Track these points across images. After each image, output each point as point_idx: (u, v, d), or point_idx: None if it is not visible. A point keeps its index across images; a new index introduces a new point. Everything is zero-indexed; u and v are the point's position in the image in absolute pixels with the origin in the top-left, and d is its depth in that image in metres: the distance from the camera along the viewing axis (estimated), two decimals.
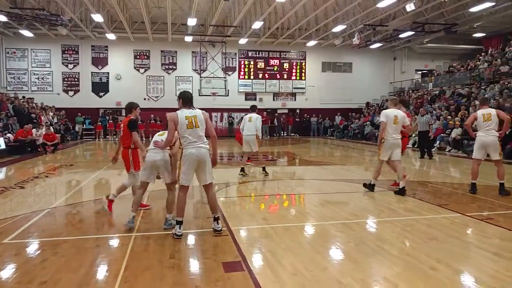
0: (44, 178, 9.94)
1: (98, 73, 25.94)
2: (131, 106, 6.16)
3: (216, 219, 5.09)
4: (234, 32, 24.36)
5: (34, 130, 16.86)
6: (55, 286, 3.55)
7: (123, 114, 25.83)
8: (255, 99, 27.98)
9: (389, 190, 7.90)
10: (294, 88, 28.70)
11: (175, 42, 25.78)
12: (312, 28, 23.77)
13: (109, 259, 4.27)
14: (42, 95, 24.49)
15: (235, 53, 27.53)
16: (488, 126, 7.32)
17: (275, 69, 28.24)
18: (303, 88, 28.83)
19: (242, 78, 27.81)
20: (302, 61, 28.70)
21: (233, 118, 27.19)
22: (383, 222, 5.72)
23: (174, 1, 19.63)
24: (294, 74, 28.58)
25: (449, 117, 17.84)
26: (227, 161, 13.25)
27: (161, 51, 26.59)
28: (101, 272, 3.93)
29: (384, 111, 7.64)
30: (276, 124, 28.37)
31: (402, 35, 23.93)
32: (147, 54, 26.47)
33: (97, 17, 19.73)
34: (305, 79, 28.80)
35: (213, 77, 25.14)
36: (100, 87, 25.93)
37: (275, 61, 28.23)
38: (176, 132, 4.94)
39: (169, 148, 5.41)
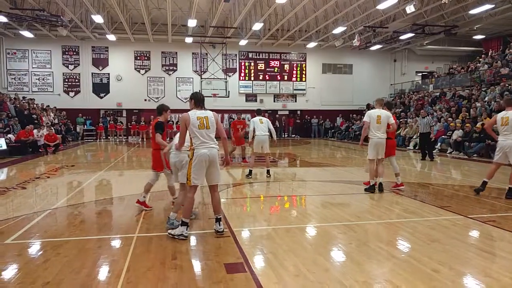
0: (46, 178, 9.94)
1: (98, 74, 25.96)
2: (161, 109, 6.32)
3: (218, 220, 5.09)
4: (234, 34, 24.40)
5: (35, 131, 16.87)
6: (58, 286, 3.55)
7: (124, 115, 26.23)
8: (255, 100, 28.03)
9: (391, 192, 7.90)
10: (295, 89, 28.72)
11: (175, 43, 25.82)
12: (312, 29, 23.81)
13: (111, 259, 4.27)
14: (43, 96, 24.53)
15: (236, 54, 27.57)
16: (506, 130, 7.18)
17: (275, 70, 28.27)
18: (304, 89, 28.86)
19: (242, 79, 27.84)
20: (302, 62, 28.73)
21: (234, 119, 27.16)
22: (385, 224, 5.72)
23: (174, 2, 19.67)
24: (294, 75, 28.61)
25: (450, 119, 17.86)
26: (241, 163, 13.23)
27: (162, 52, 26.63)
28: (104, 272, 3.92)
29: (368, 111, 7.96)
30: (277, 125, 28.33)
31: (402, 37, 23.97)
32: (148, 55, 26.50)
33: (98, 18, 19.76)
34: (305, 81, 28.83)
35: (214, 78, 25.16)
36: (101, 88, 25.95)
37: (276, 62, 28.27)
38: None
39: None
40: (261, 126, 9.77)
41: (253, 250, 4.54)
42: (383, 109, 7.91)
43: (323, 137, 28.20)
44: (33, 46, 24.69)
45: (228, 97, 25.22)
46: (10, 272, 3.93)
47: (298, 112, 29.19)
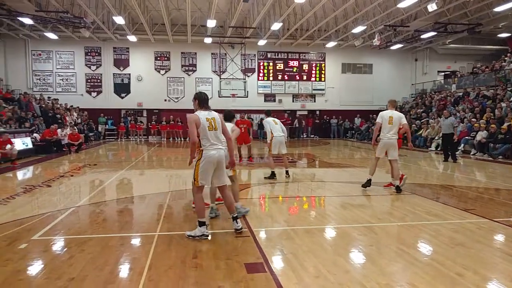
0: (69, 177, 10.17)
1: (120, 74, 26.41)
2: (230, 116, 6.75)
3: (235, 219, 5.12)
4: (253, 34, 24.44)
5: (59, 130, 17.30)
6: (82, 282, 3.63)
7: (144, 115, 26.59)
8: (274, 100, 28.01)
9: (412, 194, 7.78)
10: (314, 89, 28.57)
11: (195, 43, 26.04)
12: (331, 29, 23.63)
13: (133, 257, 4.33)
14: (67, 96, 25.11)
15: (254, 55, 27.61)
16: None
17: (294, 70, 28.18)
18: (323, 89, 28.68)
19: (261, 80, 27.86)
20: (321, 62, 28.55)
21: (252, 119, 27.22)
22: (407, 226, 5.63)
23: (194, 3, 19.83)
24: (313, 75, 28.45)
25: (473, 119, 17.45)
26: (247, 163, 13.26)
27: (181, 53, 26.89)
28: (126, 270, 3.99)
29: (380, 112, 8.06)
30: (297, 125, 28.26)
31: (424, 36, 23.54)
32: (168, 55, 26.80)
33: (119, 20, 20.09)
34: (324, 80, 28.64)
35: (233, 79, 25.25)
36: (122, 88, 26.39)
37: (294, 62, 28.17)
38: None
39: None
40: (277, 127, 9.73)
41: (273, 250, 4.54)
42: (396, 110, 8.03)
43: (343, 137, 27.96)
44: (57, 47, 25.31)
45: (247, 97, 25.24)
46: (37, 267, 4.04)
47: (317, 112, 29.02)
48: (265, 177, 9.79)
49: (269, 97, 28.07)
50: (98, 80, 26.18)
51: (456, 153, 14.62)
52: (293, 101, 28.52)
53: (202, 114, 4.95)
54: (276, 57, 28.01)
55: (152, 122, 26.28)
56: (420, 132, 20.36)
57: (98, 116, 25.68)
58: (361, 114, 28.11)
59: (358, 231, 5.35)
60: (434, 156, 16.11)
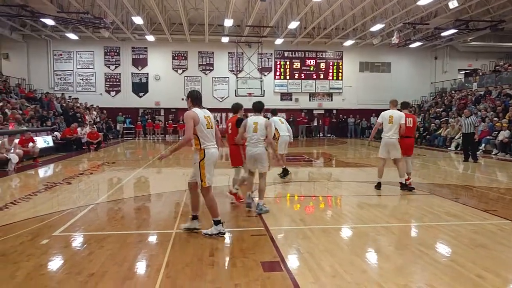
0: (89, 175, 10.36)
1: (138, 73, 26.74)
2: (237, 107, 6.88)
3: (194, 218, 5.14)
4: (270, 33, 24.39)
5: (79, 129, 17.64)
6: (102, 278, 3.70)
7: (162, 114, 26.87)
8: (291, 99, 27.93)
9: (431, 194, 7.66)
10: (331, 88, 28.35)
11: (212, 43, 26.16)
12: (349, 27, 23.41)
13: (151, 254, 4.39)
14: (86, 95, 25.56)
15: (271, 54, 27.57)
16: None
17: (311, 69, 28.03)
18: (340, 88, 28.43)
19: (278, 79, 27.80)
20: (339, 61, 28.32)
21: (269, 118, 27.18)
22: (426, 226, 5.54)
23: (211, 2, 19.91)
24: (330, 74, 28.24)
25: (495, 118, 17.03)
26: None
27: (199, 52, 27.05)
28: (144, 267, 4.05)
29: (382, 112, 8.13)
30: (316, 124, 28.10)
31: (444, 34, 23.07)
32: (185, 55, 27.00)
33: (138, 20, 20.33)
34: (342, 79, 28.39)
35: (249, 78, 25.28)
36: (140, 88, 26.72)
37: (311, 61, 28.01)
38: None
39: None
40: (282, 126, 9.67)
41: (289, 249, 4.53)
42: (397, 110, 8.03)
43: (360, 136, 27.67)
44: (77, 47, 25.79)
45: (263, 96, 25.20)
46: (58, 262, 4.13)
47: (334, 111, 28.80)
48: (279, 175, 9.73)
49: (286, 96, 28.00)
50: (117, 80, 26.57)
51: (477, 153, 14.31)
52: (310, 100, 28.36)
53: (200, 112, 4.87)
54: (293, 56, 27.90)
55: (169, 121, 26.54)
56: (440, 131, 20.00)
57: (117, 115, 26.07)
58: (379, 113, 27.66)
59: (376, 231, 5.30)
60: (453, 156, 15.80)
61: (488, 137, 16.30)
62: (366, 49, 27.74)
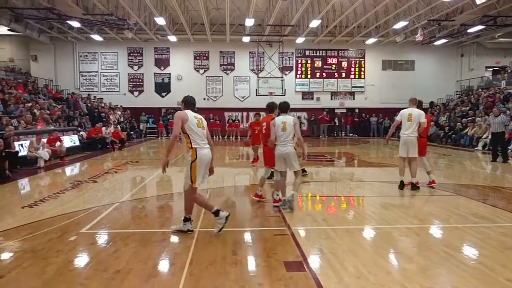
0: (113, 173, 10.58)
1: (160, 74, 27.11)
2: (273, 106, 6.73)
3: (217, 212, 5.00)
4: (291, 32, 24.29)
5: (103, 129, 18.03)
6: (127, 275, 3.78)
7: None
8: (312, 99, 27.78)
9: (457, 195, 7.48)
10: (353, 87, 28.03)
11: (233, 42, 26.26)
12: (371, 25, 23.09)
13: (175, 252, 4.45)
14: (110, 95, 26.10)
15: (292, 52, 27.46)
16: None
17: (333, 67, 27.78)
18: (362, 87, 28.08)
19: (299, 78, 27.68)
20: (361, 59, 27.97)
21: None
22: (451, 228, 5.42)
23: (233, 2, 19.99)
24: (352, 72, 27.92)
25: None
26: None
27: (220, 52, 27.20)
28: (168, 264, 4.11)
29: (401, 110, 8.10)
30: (337, 123, 27.85)
31: (471, 30, 22.43)
32: (207, 55, 27.21)
33: (160, 20, 20.62)
34: (364, 78, 28.04)
35: (270, 77, 25.25)
36: (163, 88, 27.08)
37: (333, 59, 27.75)
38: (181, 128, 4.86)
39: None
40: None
41: (312, 249, 4.51)
42: (416, 108, 7.94)
43: (383, 136, 27.24)
44: (102, 48, 26.37)
45: (285, 95, 25.10)
46: (86, 259, 4.25)
47: (356, 110, 28.45)
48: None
49: (307, 95, 27.85)
50: (140, 80, 27.02)
51: (508, 152, 13.86)
52: (331, 99, 28.12)
53: (190, 112, 4.94)
54: (314, 54, 27.72)
55: None
56: (466, 130, 19.49)
57: (140, 114, 26.51)
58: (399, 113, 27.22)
59: (400, 232, 5.22)
60: (481, 156, 15.38)
61: None
62: (389, 47, 27.29)
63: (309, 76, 27.71)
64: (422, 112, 7.83)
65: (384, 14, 21.20)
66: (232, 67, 27.40)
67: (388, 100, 27.80)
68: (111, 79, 26.80)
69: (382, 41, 26.23)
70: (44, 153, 11.72)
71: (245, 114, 26.34)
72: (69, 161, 13.07)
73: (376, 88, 27.96)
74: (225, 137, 25.90)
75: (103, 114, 21.21)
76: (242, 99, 27.21)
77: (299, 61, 27.64)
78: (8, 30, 21.87)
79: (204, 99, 27.18)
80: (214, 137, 25.84)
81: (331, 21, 22.52)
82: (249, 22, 20.94)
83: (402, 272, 3.88)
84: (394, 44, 26.28)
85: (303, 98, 27.66)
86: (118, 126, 19.39)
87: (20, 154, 11.10)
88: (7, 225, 5.48)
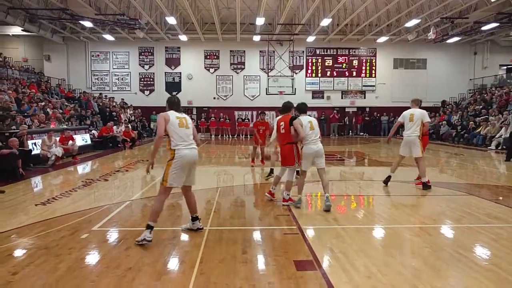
0: (124, 172, 10.67)
1: (171, 73, 27.25)
2: (290, 106, 6.79)
3: (196, 219, 5.08)
4: (302, 30, 24.21)
5: (115, 127, 18.19)
6: (139, 273, 3.81)
7: (194, 112, 27.27)
8: (322, 97, 27.65)
9: (470, 195, 7.39)
10: (364, 85, 27.83)
11: (243, 41, 26.26)
12: (383, 23, 22.87)
13: (185, 251, 4.48)
14: (121, 94, 26.32)
15: (303, 51, 27.36)
16: None
17: (343, 66, 27.60)
18: (373, 85, 27.86)
19: (309, 76, 27.57)
20: (372, 57, 27.74)
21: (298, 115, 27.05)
22: (464, 228, 5.35)
23: (243, 1, 19.99)
24: (363, 71, 27.71)
25: None
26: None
27: (230, 51, 27.22)
28: (179, 263, 4.13)
29: (404, 111, 8.30)
30: (347, 122, 27.68)
31: (485, 28, 22.10)
32: (217, 54, 27.25)
33: (171, 20, 20.71)
34: (375, 77, 27.81)
35: (280, 76, 25.20)
36: (173, 87, 27.22)
37: (344, 58, 27.58)
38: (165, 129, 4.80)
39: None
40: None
41: (322, 248, 4.50)
42: (416, 107, 8.13)
43: (394, 135, 26.94)
44: (113, 48, 26.60)
45: (295, 94, 25.05)
46: (97, 256, 4.29)
47: (367, 109, 28.24)
48: (265, 177, 9.41)
49: (317, 94, 27.73)
50: (151, 79, 27.19)
51: None
52: (342, 98, 27.95)
53: (172, 113, 4.84)
54: (325, 53, 27.58)
55: (202, 120, 26.88)
56: (479, 130, 19.22)
57: (151, 113, 26.68)
58: None
59: (411, 231, 5.18)
60: (494, 156, 15.15)
61: None
62: (401, 45, 27.04)
63: (319, 75, 27.58)
64: (425, 112, 8.01)
65: (396, 12, 20.99)
66: (243, 66, 27.40)
67: (399, 99, 27.46)
68: (122, 79, 27.03)
69: (393, 39, 25.98)
70: (58, 150, 11.93)
71: (255, 113, 26.33)
72: (81, 159, 13.22)
73: (387, 87, 27.72)
74: (235, 136, 25.94)
75: (114, 113, 21.40)
76: (252, 98, 27.22)
77: (310, 60, 27.53)
78: (22, 30, 22.21)
79: (214, 98, 27.25)
80: (224, 136, 25.91)
81: (342, 20, 22.37)
82: (260, 21, 20.92)
83: (413, 272, 3.85)
84: (406, 42, 26.02)
85: (313, 97, 27.54)
86: (129, 125, 19.53)
87: (33, 152, 11.25)
88: (21, 222, 5.56)
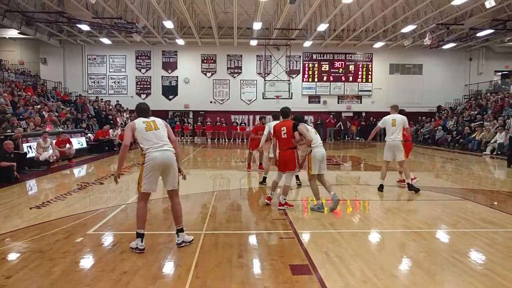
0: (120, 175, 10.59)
1: (168, 77, 27.25)
2: (289, 111, 6.87)
3: (180, 231, 4.70)
4: (299, 35, 24.33)
5: (111, 131, 18.14)
6: (134, 276, 3.79)
7: (191, 116, 27.25)
8: (319, 102, 27.72)
9: (465, 200, 7.42)
10: (360, 90, 27.94)
11: (240, 46, 26.33)
12: (379, 29, 23.02)
13: (181, 255, 4.46)
14: (118, 98, 26.27)
15: (299, 56, 27.45)
16: None
17: (340, 71, 27.71)
18: (370, 90, 27.98)
19: (306, 81, 27.65)
20: (368, 63, 27.88)
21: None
22: (459, 233, 5.37)
23: (240, 6, 20.06)
24: (360, 76, 27.83)
25: None
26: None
27: (227, 55, 27.27)
28: (174, 267, 4.12)
29: (384, 117, 8.56)
30: (342, 128, 27.72)
31: (480, 34, 22.30)
32: (214, 58, 27.29)
33: (168, 24, 20.75)
34: (371, 82, 27.94)
35: (277, 80, 25.25)
36: (170, 91, 27.21)
37: (340, 63, 27.70)
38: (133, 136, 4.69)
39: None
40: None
41: (318, 253, 4.49)
42: (398, 113, 8.39)
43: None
44: (110, 51, 26.58)
45: (291, 98, 25.11)
46: (92, 260, 4.27)
47: (363, 114, 28.33)
48: (260, 182, 9.37)
49: (314, 99, 27.81)
50: (147, 83, 27.18)
51: None
52: (338, 103, 28.05)
53: (139, 120, 4.73)
54: (322, 58, 27.69)
55: (198, 123, 26.85)
56: (474, 135, 19.33)
57: None
58: (410, 116, 26.98)
59: (407, 236, 5.18)
60: (489, 161, 15.23)
61: None
62: (397, 50, 27.20)
63: (316, 79, 27.67)
64: (405, 118, 8.31)
65: (392, 18, 21.13)
66: (239, 71, 27.46)
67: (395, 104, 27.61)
68: (119, 82, 27.00)
69: (390, 45, 26.14)
70: (46, 154, 11.67)
71: (251, 117, 26.35)
72: (76, 163, 13.16)
73: (384, 92, 27.84)
74: (231, 140, 25.94)
75: (110, 117, 21.35)
76: (248, 103, 27.25)
77: (306, 65, 27.62)
78: (18, 33, 22.19)
79: (211, 102, 27.26)
80: (220, 140, 25.88)
81: (339, 25, 22.49)
82: (257, 25, 21.01)
83: (409, 277, 3.86)
84: (402, 48, 26.19)
85: (309, 102, 27.63)
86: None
87: (28, 155, 11.19)
88: (15, 226, 5.53)
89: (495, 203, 7.39)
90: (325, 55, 27.59)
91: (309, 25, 23.40)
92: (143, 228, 4.58)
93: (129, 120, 23.98)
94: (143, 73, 27.10)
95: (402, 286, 3.63)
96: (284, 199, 6.55)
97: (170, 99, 27.27)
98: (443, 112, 26.11)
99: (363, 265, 4.10)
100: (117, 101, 25.49)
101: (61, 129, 14.92)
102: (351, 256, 4.35)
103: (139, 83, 27.12)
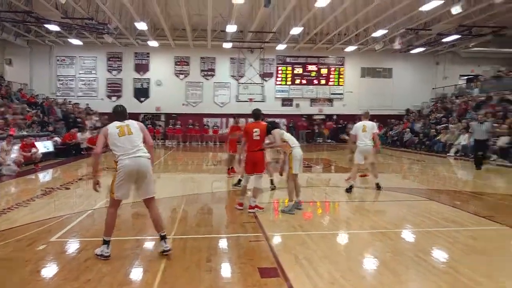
0: (87, 180, 10.34)
1: (139, 79, 26.78)
2: (260, 113, 6.91)
3: (163, 238, 4.52)
4: (273, 38, 24.44)
5: (79, 134, 17.64)
6: (99, 284, 3.70)
7: (162, 119, 26.89)
8: (291, 105, 27.90)
9: (430, 200, 7.66)
10: (332, 93, 28.32)
11: (214, 48, 26.20)
12: (351, 33, 23.44)
13: (149, 260, 4.38)
14: (87, 100, 25.58)
15: (273, 59, 27.57)
16: None
17: (312, 74, 28.02)
18: (341, 93, 28.42)
19: (279, 84, 27.80)
20: (340, 66, 28.34)
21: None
22: (424, 232, 5.52)
23: (215, 8, 19.99)
24: (332, 79, 28.25)
25: (495, 124, 16.95)
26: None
27: (201, 58, 27.07)
28: (141, 272, 4.04)
29: (355, 125, 9.00)
30: (317, 130, 28.02)
31: (446, 39, 23.08)
32: (187, 60, 27.05)
33: (141, 25, 20.41)
34: (343, 85, 28.41)
35: (251, 83, 25.31)
36: (141, 93, 26.74)
37: (313, 66, 28.01)
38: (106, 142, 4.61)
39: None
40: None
41: (287, 255, 4.51)
42: (367, 119, 8.80)
43: None
44: (80, 53, 25.86)
45: (265, 101, 25.25)
46: (55, 268, 4.13)
47: (334, 117, 28.74)
48: (233, 185, 9.33)
49: (287, 102, 27.97)
50: (119, 85, 26.64)
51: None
52: (310, 106, 28.34)
53: (112, 124, 4.63)
54: (295, 61, 27.90)
55: (170, 126, 26.48)
56: (439, 137, 19.95)
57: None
58: (380, 119, 27.62)
59: (374, 237, 5.29)
60: (453, 162, 15.76)
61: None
62: (368, 54, 27.76)
63: (289, 82, 27.88)
64: (374, 124, 8.81)
65: (364, 22, 21.55)
66: (213, 73, 27.33)
67: (366, 107, 27.93)
68: (89, 84, 26.31)
69: (361, 48, 26.66)
70: (11, 167, 11.25)
71: (224, 120, 26.25)
72: (42, 167, 12.72)
73: (355, 95, 28.34)
74: (204, 143, 25.76)
75: (79, 120, 20.80)
76: (222, 105, 27.14)
77: (280, 68, 27.77)
78: None
79: (184, 104, 26.98)
80: (192, 143, 25.61)
81: (312, 29, 22.74)
82: (231, 28, 20.97)
83: (376, 277, 3.93)
84: (373, 52, 26.74)
85: (282, 105, 27.76)
86: (95, 131, 19.00)
87: None
88: None
89: (457, 203, 7.64)
90: (298, 58, 27.81)
91: (283, 29, 23.57)
92: (110, 235, 4.47)
93: (98, 123, 23.44)
94: (114, 75, 26.52)
95: (369, 286, 3.70)
96: (254, 201, 6.54)
97: (141, 102, 26.82)
98: (411, 115, 26.84)
99: (331, 266, 4.15)
100: (87, 104, 24.84)
101: (25, 133, 14.41)
102: (319, 258, 4.39)
103: (110, 85, 26.53)
